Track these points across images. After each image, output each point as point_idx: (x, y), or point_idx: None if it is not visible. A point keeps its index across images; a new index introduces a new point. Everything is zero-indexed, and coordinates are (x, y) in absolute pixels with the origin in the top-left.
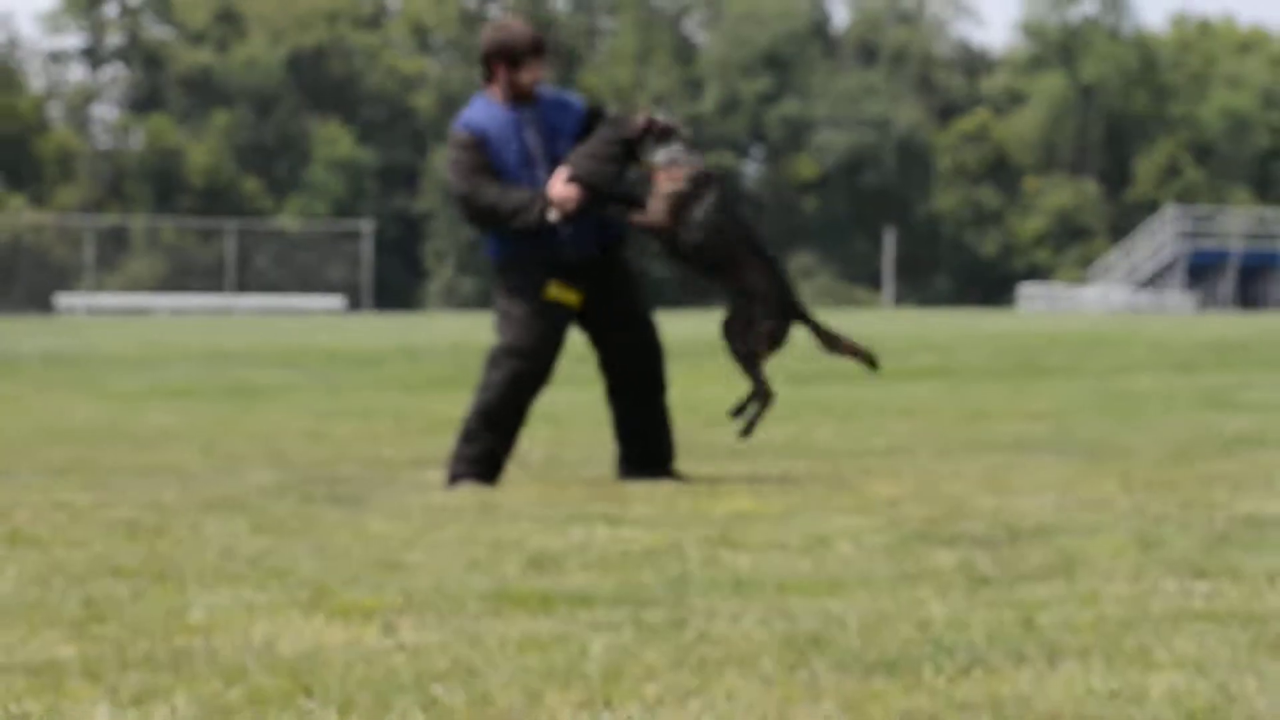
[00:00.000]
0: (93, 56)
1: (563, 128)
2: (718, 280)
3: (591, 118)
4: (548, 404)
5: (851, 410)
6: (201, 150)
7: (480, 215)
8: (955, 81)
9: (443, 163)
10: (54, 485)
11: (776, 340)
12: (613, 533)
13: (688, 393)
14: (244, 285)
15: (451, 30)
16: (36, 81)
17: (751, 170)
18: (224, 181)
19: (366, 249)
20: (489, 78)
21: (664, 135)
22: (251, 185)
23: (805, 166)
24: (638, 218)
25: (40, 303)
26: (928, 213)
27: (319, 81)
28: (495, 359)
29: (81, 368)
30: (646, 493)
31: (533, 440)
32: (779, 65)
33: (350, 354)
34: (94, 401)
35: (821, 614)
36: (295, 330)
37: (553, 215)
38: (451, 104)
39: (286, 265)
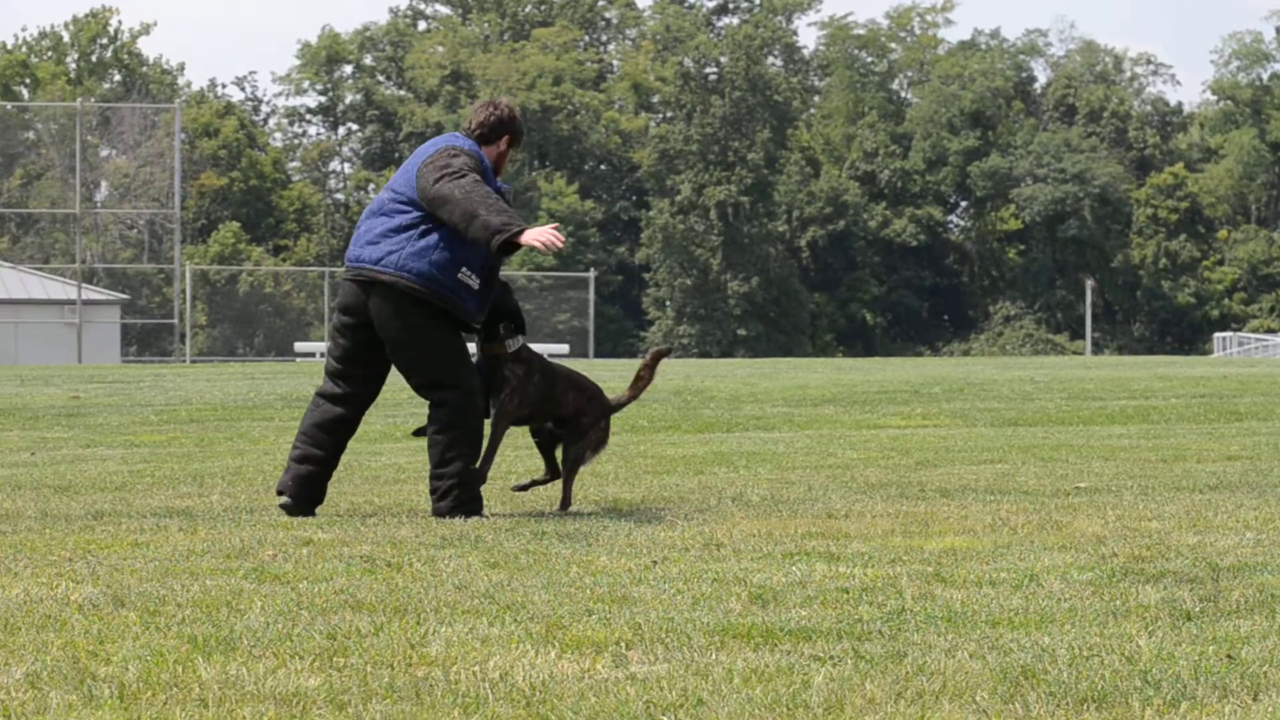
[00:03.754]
0: (330, 115)
1: None
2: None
3: None
4: (770, 442)
5: (1055, 452)
6: None
7: (471, 201)
8: (1150, 137)
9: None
10: (297, 522)
11: (603, 442)
12: (831, 569)
13: (901, 436)
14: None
15: (671, 90)
16: (277, 139)
17: (957, 222)
18: None
19: (590, 297)
20: (488, 142)
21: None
22: None
23: (1008, 219)
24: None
25: (279, 349)
26: (1125, 263)
27: (545, 138)
28: (459, 401)
29: None
30: (863, 530)
31: (754, 479)
32: (983, 122)
33: None
34: None
35: (1033, 647)
36: None
37: (529, 237)
38: (670, 159)
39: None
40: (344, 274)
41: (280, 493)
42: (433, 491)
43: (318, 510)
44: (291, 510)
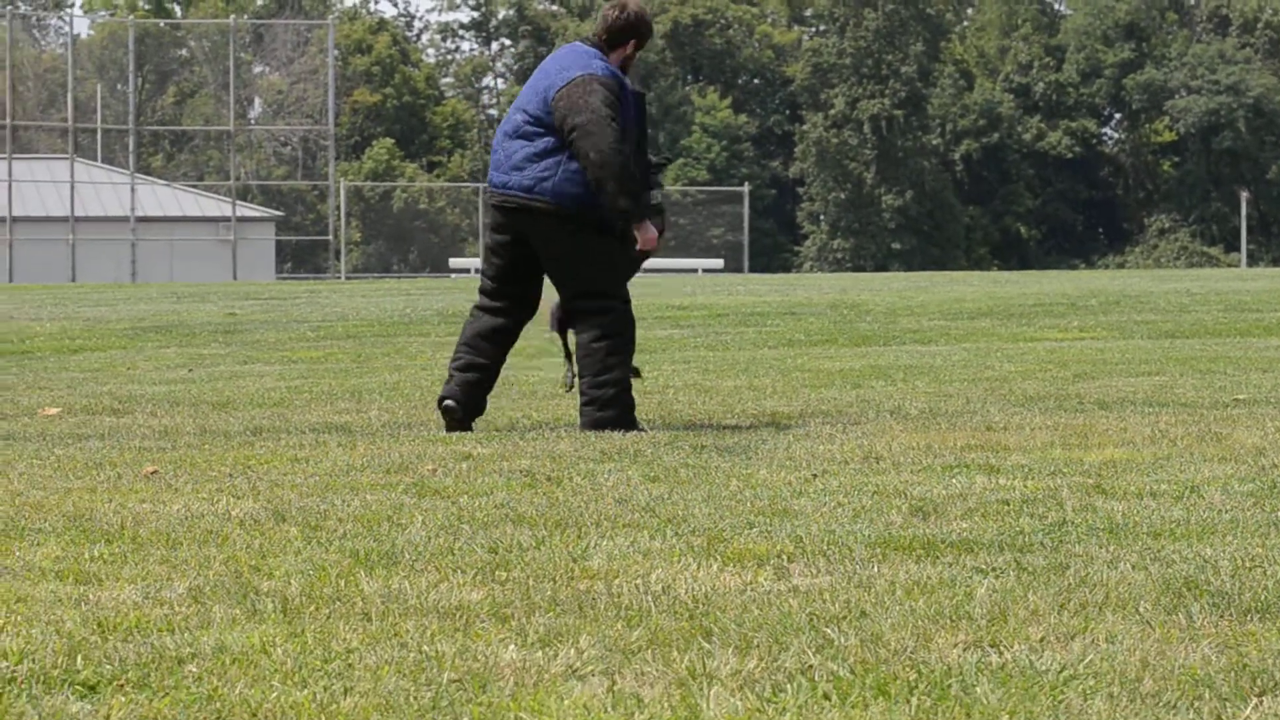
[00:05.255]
0: (483, 31)
1: (636, 110)
2: None
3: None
4: (927, 355)
5: (1213, 364)
6: None
7: (619, 158)
8: None
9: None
10: (456, 437)
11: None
12: (991, 481)
13: (1058, 349)
14: None
15: (824, 3)
16: (430, 55)
17: (1111, 134)
18: None
19: (745, 212)
20: (616, 46)
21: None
22: None
23: (1163, 131)
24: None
25: (434, 265)
26: None
27: (698, 52)
28: (621, 310)
29: None
30: (1022, 443)
31: (912, 392)
32: (1137, 34)
33: (733, 311)
34: None
35: (1195, 559)
36: (680, 290)
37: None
38: (823, 73)
39: (669, 228)
40: (490, 198)
41: (444, 399)
42: (590, 401)
43: (475, 424)
44: (455, 414)
